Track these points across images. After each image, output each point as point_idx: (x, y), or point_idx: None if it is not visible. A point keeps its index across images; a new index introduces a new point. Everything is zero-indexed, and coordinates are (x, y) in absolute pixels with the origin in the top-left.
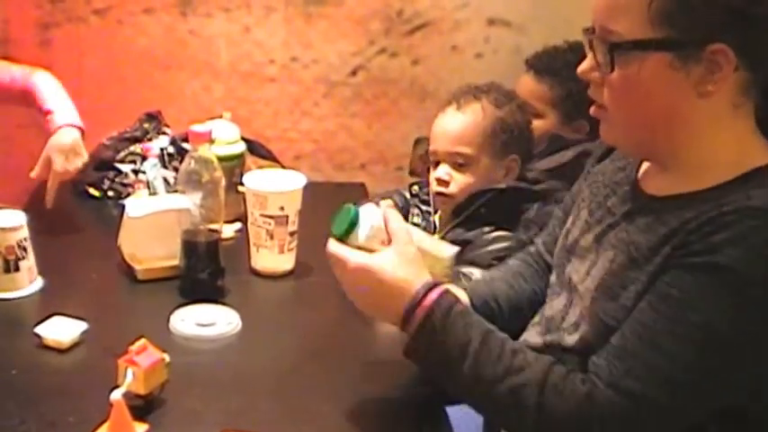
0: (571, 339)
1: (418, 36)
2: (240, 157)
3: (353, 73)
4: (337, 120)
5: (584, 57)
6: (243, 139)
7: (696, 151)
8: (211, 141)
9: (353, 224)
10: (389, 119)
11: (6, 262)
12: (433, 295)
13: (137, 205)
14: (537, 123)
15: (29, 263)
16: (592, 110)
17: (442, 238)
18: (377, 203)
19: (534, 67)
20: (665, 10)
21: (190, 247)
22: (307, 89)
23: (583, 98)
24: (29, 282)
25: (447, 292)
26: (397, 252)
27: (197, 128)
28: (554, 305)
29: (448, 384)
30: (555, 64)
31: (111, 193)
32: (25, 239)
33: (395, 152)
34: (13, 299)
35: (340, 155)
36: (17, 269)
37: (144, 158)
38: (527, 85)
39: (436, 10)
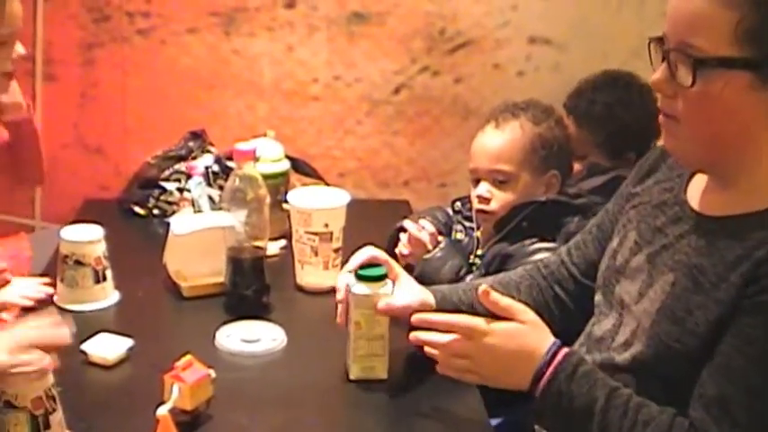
0: (622, 358)
1: (460, 54)
2: (285, 174)
3: (396, 91)
4: (380, 137)
5: (620, 91)
6: (287, 156)
7: (763, 171)
8: (256, 159)
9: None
10: (432, 136)
11: (96, 273)
12: (559, 357)
13: (182, 223)
14: (579, 167)
15: (111, 272)
16: (660, 119)
17: (485, 253)
18: (416, 220)
19: (574, 113)
20: (753, 29)
21: (235, 264)
22: (350, 107)
23: (627, 133)
24: (112, 290)
25: (571, 353)
26: (523, 320)
27: (242, 146)
28: (602, 325)
29: None
30: (594, 109)
31: (156, 212)
32: (106, 249)
33: (438, 169)
34: (103, 309)
35: (383, 172)
36: (105, 278)
37: (189, 177)
38: (570, 131)
39: (478, 29)
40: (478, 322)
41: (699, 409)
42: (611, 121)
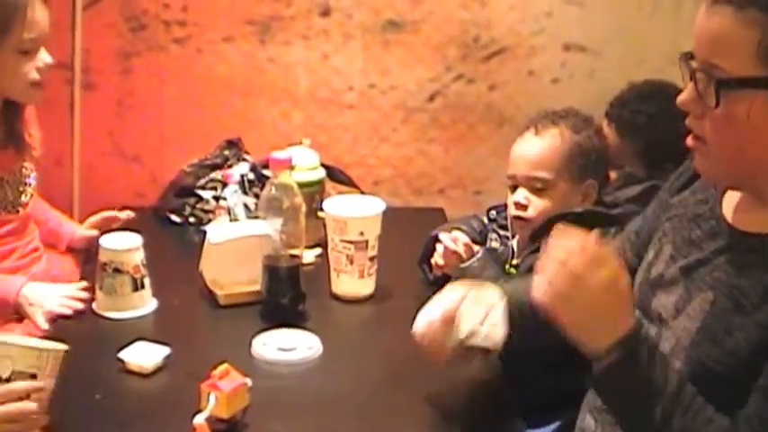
0: None
1: (495, 62)
2: (320, 183)
3: (431, 99)
4: (415, 145)
5: (664, 102)
6: (322, 165)
7: None
8: (292, 168)
9: None
10: (467, 144)
11: (134, 280)
12: (642, 334)
13: (218, 231)
14: (614, 176)
15: (149, 280)
16: (688, 140)
17: (521, 262)
18: (450, 230)
19: (616, 122)
20: None
21: (271, 272)
22: (385, 115)
23: (668, 146)
24: (150, 298)
25: (649, 335)
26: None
27: (278, 155)
28: None
29: (632, 418)
30: (637, 119)
31: (192, 220)
32: (144, 257)
33: (473, 177)
34: (141, 316)
35: (418, 180)
36: (143, 286)
37: (224, 185)
38: (610, 139)
39: (512, 36)
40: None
41: (742, 426)
42: (652, 132)
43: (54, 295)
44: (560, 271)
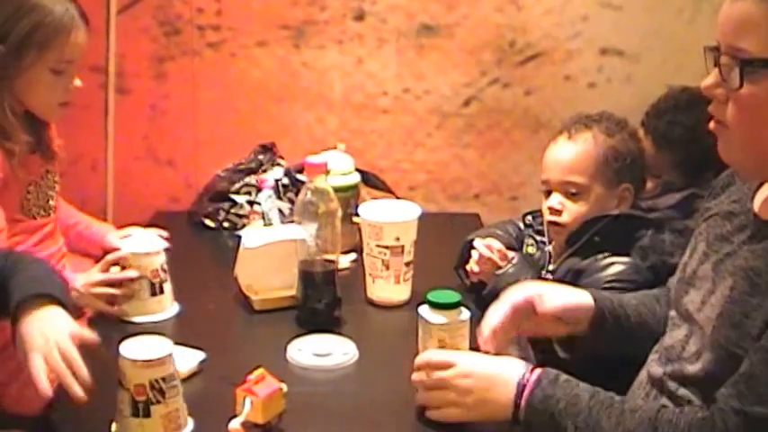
0: (693, 368)
1: (531, 66)
2: (355, 187)
3: (466, 103)
4: (450, 150)
5: (701, 112)
6: (357, 170)
7: None
8: (327, 172)
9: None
10: (502, 149)
11: (152, 285)
12: (539, 370)
13: (253, 236)
14: (652, 185)
15: (170, 285)
16: (711, 124)
17: (557, 268)
18: (486, 236)
19: (653, 134)
20: None
21: (307, 277)
22: (420, 120)
23: (707, 156)
24: (171, 303)
25: (549, 369)
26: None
27: (313, 159)
28: (674, 335)
29: None
30: (674, 131)
31: (226, 225)
32: (165, 262)
33: (508, 182)
34: (159, 321)
35: (453, 185)
36: (162, 291)
37: (259, 190)
38: (647, 150)
39: (548, 40)
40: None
41: (727, 386)
42: (690, 144)
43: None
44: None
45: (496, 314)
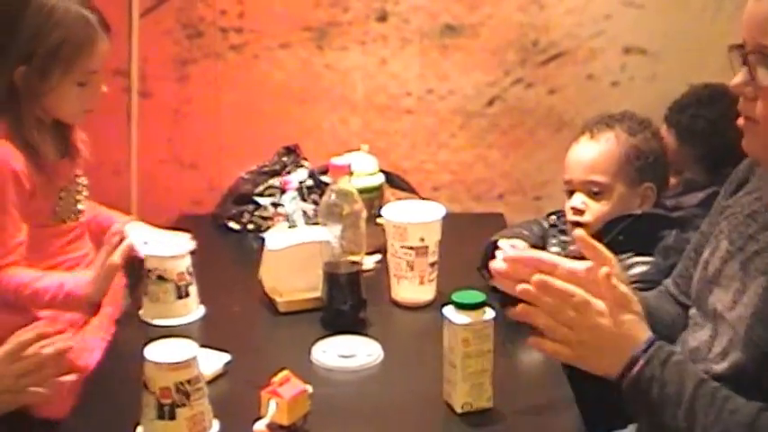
0: (720, 368)
1: (554, 66)
2: (379, 188)
3: (490, 103)
4: (474, 150)
5: (723, 106)
6: (381, 171)
7: None
8: (351, 174)
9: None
10: (526, 149)
11: (178, 288)
12: (654, 346)
13: (277, 238)
14: (675, 181)
15: (195, 288)
16: (739, 121)
17: None
18: (510, 235)
19: (676, 128)
20: None
21: (331, 278)
22: (443, 120)
23: (729, 150)
24: (196, 306)
25: (665, 344)
26: (635, 310)
27: (337, 161)
28: (697, 336)
29: (659, 425)
30: (697, 124)
31: (250, 227)
32: (190, 265)
33: (532, 182)
34: (185, 324)
35: (477, 185)
36: (187, 294)
37: (283, 192)
38: (670, 144)
39: (571, 39)
40: (596, 301)
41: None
42: (712, 138)
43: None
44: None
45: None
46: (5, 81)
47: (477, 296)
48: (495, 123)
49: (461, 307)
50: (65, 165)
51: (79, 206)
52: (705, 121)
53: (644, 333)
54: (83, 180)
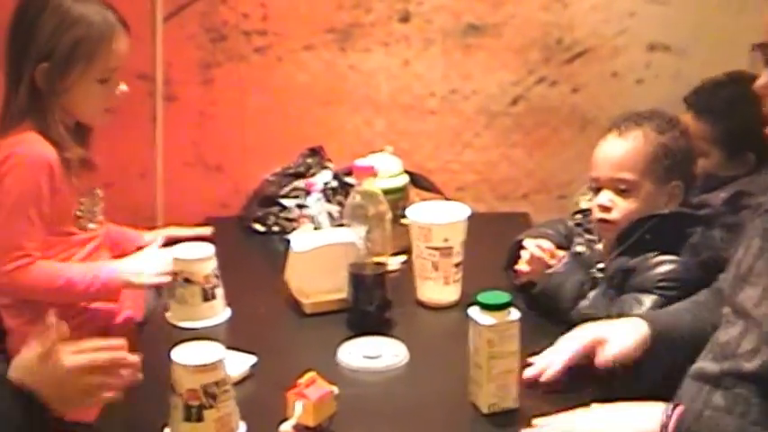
0: (750, 366)
1: (577, 64)
2: (404, 189)
3: (514, 102)
4: (498, 150)
5: (743, 88)
6: (405, 171)
7: None
8: (375, 175)
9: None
10: (550, 147)
11: (204, 291)
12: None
13: (303, 240)
14: (701, 162)
15: (222, 290)
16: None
17: (607, 266)
18: (536, 235)
19: (694, 106)
20: None
21: (357, 280)
22: (467, 120)
23: (748, 131)
24: (223, 308)
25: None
26: None
27: (361, 162)
28: (729, 332)
29: None
30: (715, 101)
31: (276, 229)
32: (216, 267)
33: (557, 181)
34: (212, 326)
35: (502, 185)
36: (214, 297)
37: (308, 193)
38: (688, 125)
39: (595, 37)
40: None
41: None
42: (731, 116)
43: (149, 266)
44: None
45: (567, 350)
46: (27, 81)
47: (502, 297)
48: (519, 122)
49: (486, 308)
50: (84, 173)
51: (99, 216)
52: (723, 99)
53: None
54: (99, 192)
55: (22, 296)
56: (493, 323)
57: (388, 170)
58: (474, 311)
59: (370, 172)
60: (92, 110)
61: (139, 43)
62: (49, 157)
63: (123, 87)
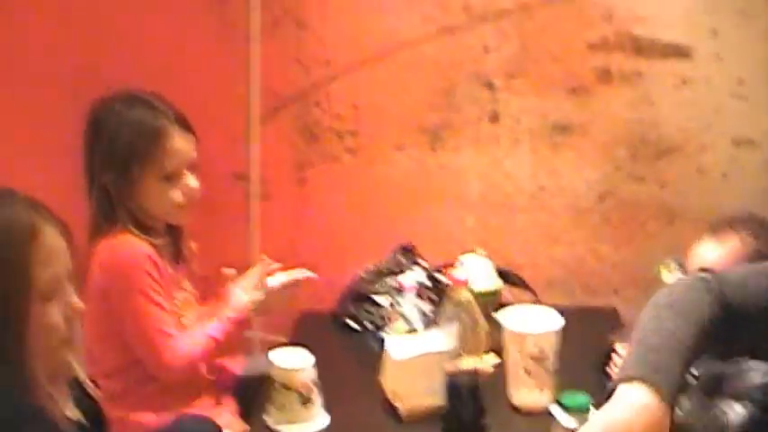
0: None
1: (664, 160)
2: (496, 293)
3: (601, 199)
4: (586, 245)
5: None
6: (496, 269)
7: None
8: (468, 287)
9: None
10: (638, 242)
11: (302, 396)
12: None
13: (400, 347)
14: None
15: (320, 396)
16: None
17: (698, 371)
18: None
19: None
20: None
21: (452, 386)
22: (556, 216)
23: None
24: (321, 413)
25: None
26: None
27: (456, 274)
28: None
29: None
30: None
31: (369, 326)
32: (315, 376)
33: (644, 274)
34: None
35: (591, 279)
36: (312, 402)
37: (399, 290)
38: None
39: (681, 133)
40: None
41: None
42: None
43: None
44: None
45: None
46: (101, 187)
47: (584, 400)
48: (606, 218)
49: (568, 409)
50: (178, 267)
51: (189, 315)
52: None
53: None
54: (188, 286)
55: (190, 375)
56: (574, 427)
57: (480, 273)
58: (556, 410)
59: (464, 284)
60: (161, 208)
61: (235, 144)
62: (147, 250)
63: (193, 183)
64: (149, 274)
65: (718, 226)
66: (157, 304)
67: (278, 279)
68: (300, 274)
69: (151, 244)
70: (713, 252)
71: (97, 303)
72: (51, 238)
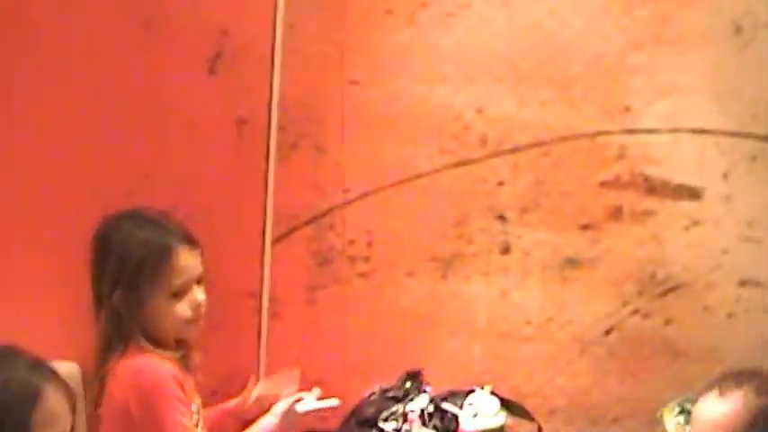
0: None
1: (671, 297)
2: (501, 429)
3: (607, 333)
4: (590, 377)
5: None
6: (500, 399)
7: None
8: (474, 415)
9: None
10: (641, 376)
11: None
12: None
13: None
14: None
15: None
16: None
17: None
18: None
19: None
20: None
21: None
22: (562, 348)
23: None
24: None
25: None
26: None
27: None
28: None
29: None
30: None
31: None
32: None
33: (646, 407)
34: None
35: (593, 410)
36: None
37: (405, 418)
38: None
39: (689, 272)
40: None
41: None
42: None
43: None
44: None
45: None
46: (112, 310)
47: None
48: (612, 352)
49: None
50: (192, 381)
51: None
52: None
53: None
54: (197, 400)
55: None
56: None
57: (486, 410)
58: None
59: None
60: (171, 324)
61: (248, 263)
62: (171, 370)
63: (200, 296)
64: (178, 398)
65: (723, 380)
66: (185, 427)
67: (309, 405)
68: (328, 403)
69: (170, 359)
70: (716, 409)
71: (119, 425)
72: (53, 400)
